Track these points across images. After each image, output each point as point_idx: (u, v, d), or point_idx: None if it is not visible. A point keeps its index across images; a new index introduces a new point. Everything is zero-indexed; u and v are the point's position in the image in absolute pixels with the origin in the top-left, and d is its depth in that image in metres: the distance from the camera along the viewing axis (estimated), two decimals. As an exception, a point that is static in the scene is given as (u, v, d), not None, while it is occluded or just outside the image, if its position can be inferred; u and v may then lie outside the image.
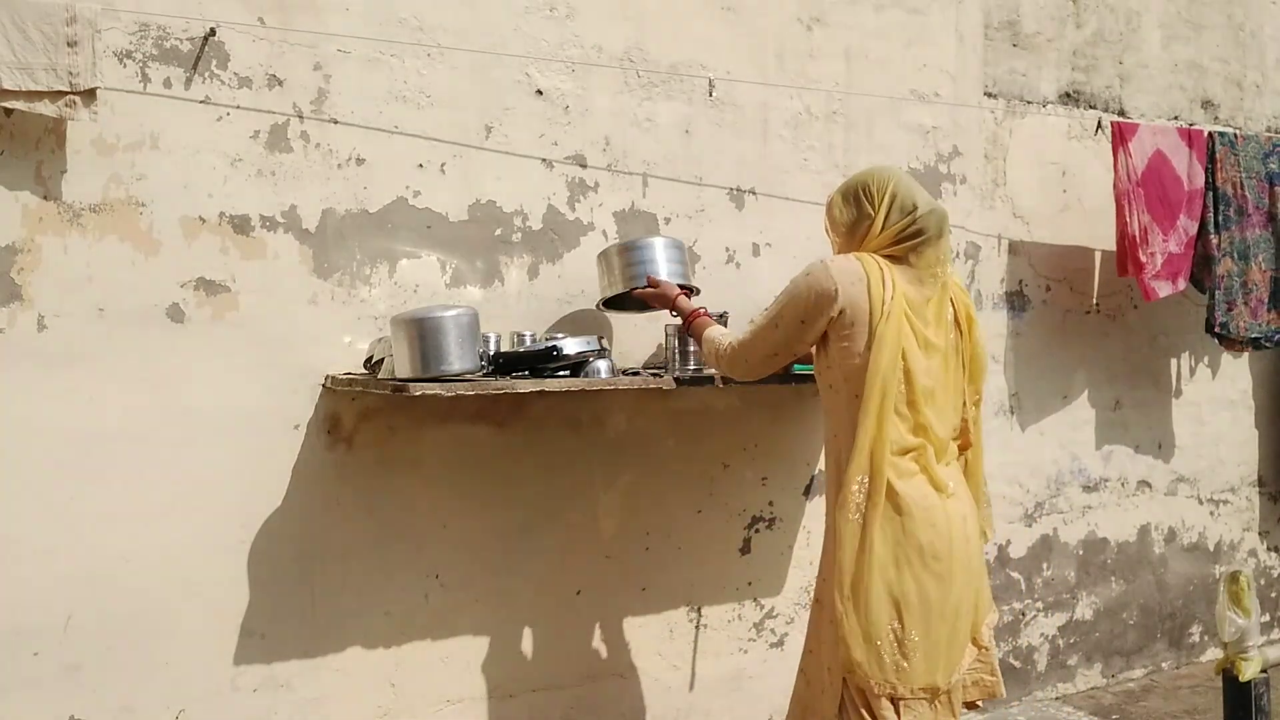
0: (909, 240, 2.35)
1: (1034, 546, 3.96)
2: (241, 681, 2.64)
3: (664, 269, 2.80)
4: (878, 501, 2.29)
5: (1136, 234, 3.74)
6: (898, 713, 2.28)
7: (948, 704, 2.36)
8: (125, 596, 2.50)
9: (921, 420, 2.33)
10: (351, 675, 2.76)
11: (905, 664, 2.28)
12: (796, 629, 3.30)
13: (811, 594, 2.61)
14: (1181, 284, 3.86)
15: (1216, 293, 3.95)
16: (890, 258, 2.36)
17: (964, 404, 2.51)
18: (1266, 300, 4.05)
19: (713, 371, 2.91)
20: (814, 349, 2.44)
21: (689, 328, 2.71)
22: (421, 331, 2.42)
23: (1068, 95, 4.00)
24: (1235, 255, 3.98)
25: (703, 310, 2.71)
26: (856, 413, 2.30)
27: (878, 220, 2.37)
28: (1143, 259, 3.75)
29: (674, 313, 2.77)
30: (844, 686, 2.32)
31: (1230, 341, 4.05)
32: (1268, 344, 4.08)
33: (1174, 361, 4.31)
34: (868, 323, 2.29)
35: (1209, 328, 4.01)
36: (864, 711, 2.29)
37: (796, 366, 2.98)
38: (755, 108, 3.29)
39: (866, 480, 2.30)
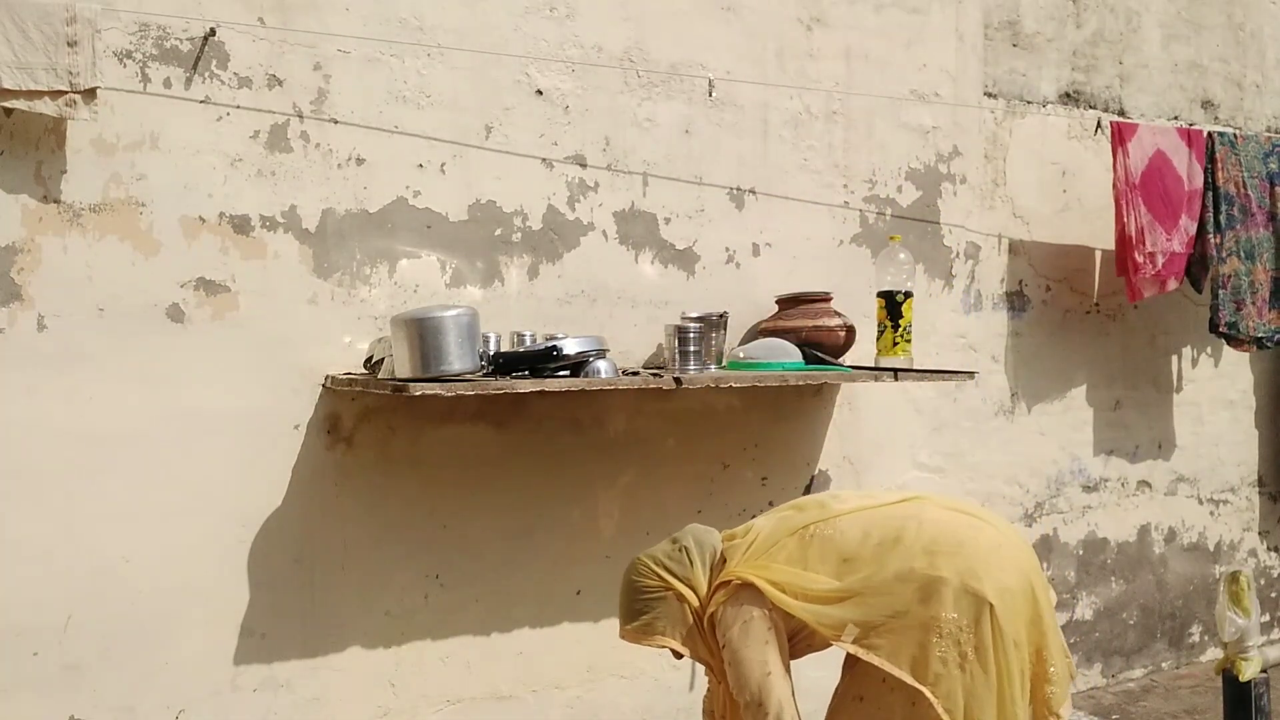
0: (719, 569, 2.28)
1: (1034, 546, 3.95)
2: (241, 681, 2.64)
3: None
4: (967, 656, 2.10)
5: (1133, 234, 3.75)
6: None
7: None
8: (125, 596, 2.50)
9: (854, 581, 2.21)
10: (351, 675, 2.76)
11: (1057, 690, 2.17)
12: (796, 629, 3.30)
13: None
14: (1172, 284, 3.87)
15: (1222, 292, 3.94)
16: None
17: None
18: (1268, 300, 4.05)
19: (714, 370, 2.91)
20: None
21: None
22: (421, 331, 2.42)
23: (1068, 95, 4.00)
24: (1241, 255, 3.97)
25: None
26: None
27: (685, 588, 2.27)
28: (1138, 259, 3.76)
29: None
30: None
31: (1237, 341, 4.05)
32: (1271, 344, 4.09)
33: (1174, 361, 4.31)
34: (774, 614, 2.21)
35: (1213, 327, 4.01)
36: None
37: (810, 367, 2.99)
38: (755, 108, 3.29)
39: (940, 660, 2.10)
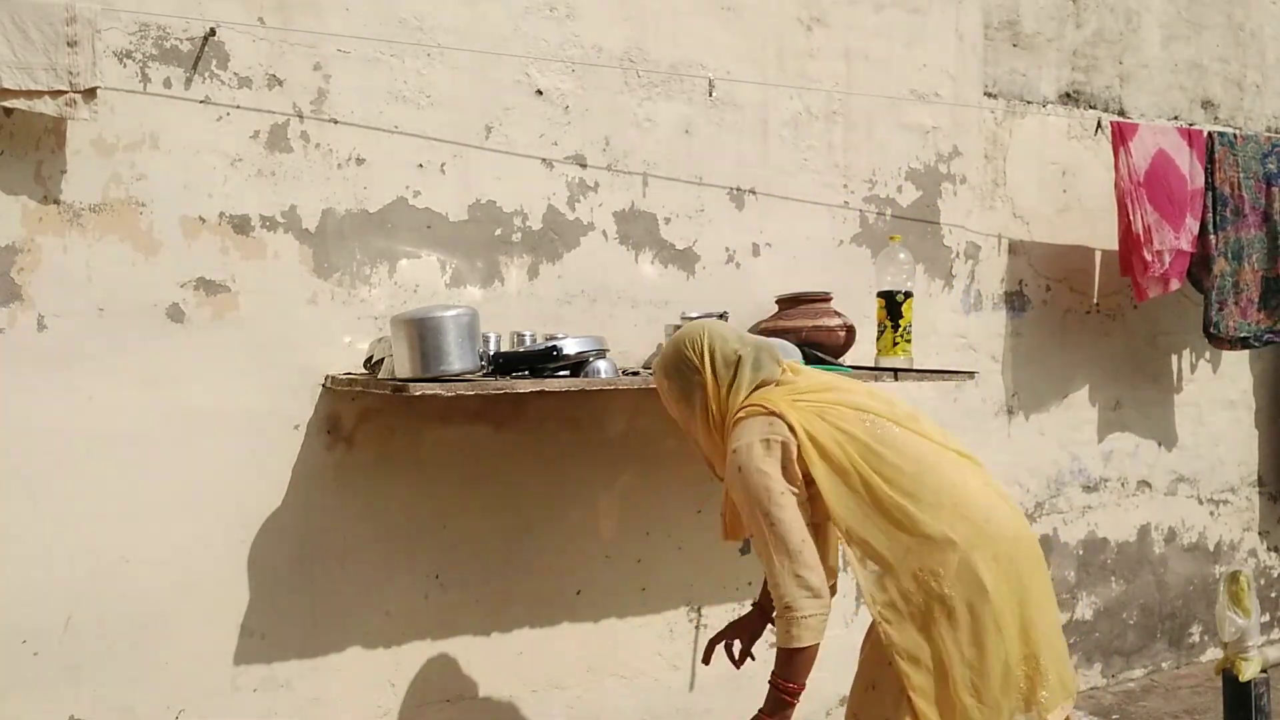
0: (764, 388, 2.26)
1: (1034, 546, 3.96)
2: (241, 681, 2.64)
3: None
4: (950, 588, 2.10)
5: (1140, 233, 3.74)
6: None
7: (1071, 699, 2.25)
8: (125, 596, 2.50)
9: (910, 444, 2.22)
10: (351, 675, 2.76)
11: (1045, 694, 2.13)
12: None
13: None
14: (1175, 284, 3.87)
15: (1211, 293, 3.95)
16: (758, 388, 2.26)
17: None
18: (1256, 300, 4.05)
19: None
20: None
21: (786, 689, 2.16)
22: (421, 331, 2.42)
23: (1068, 95, 4.01)
24: (1229, 255, 3.98)
25: (770, 679, 2.18)
26: (847, 520, 2.15)
27: (714, 380, 2.27)
28: (1147, 258, 3.75)
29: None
30: None
31: (1219, 340, 4.06)
32: (1256, 343, 4.09)
33: (1174, 361, 4.31)
34: (796, 452, 2.16)
35: (1206, 327, 4.02)
36: None
37: (826, 367, 2.98)
38: (755, 108, 3.29)
39: (920, 567, 2.11)
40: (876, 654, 2.27)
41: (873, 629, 2.33)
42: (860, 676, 2.37)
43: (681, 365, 2.31)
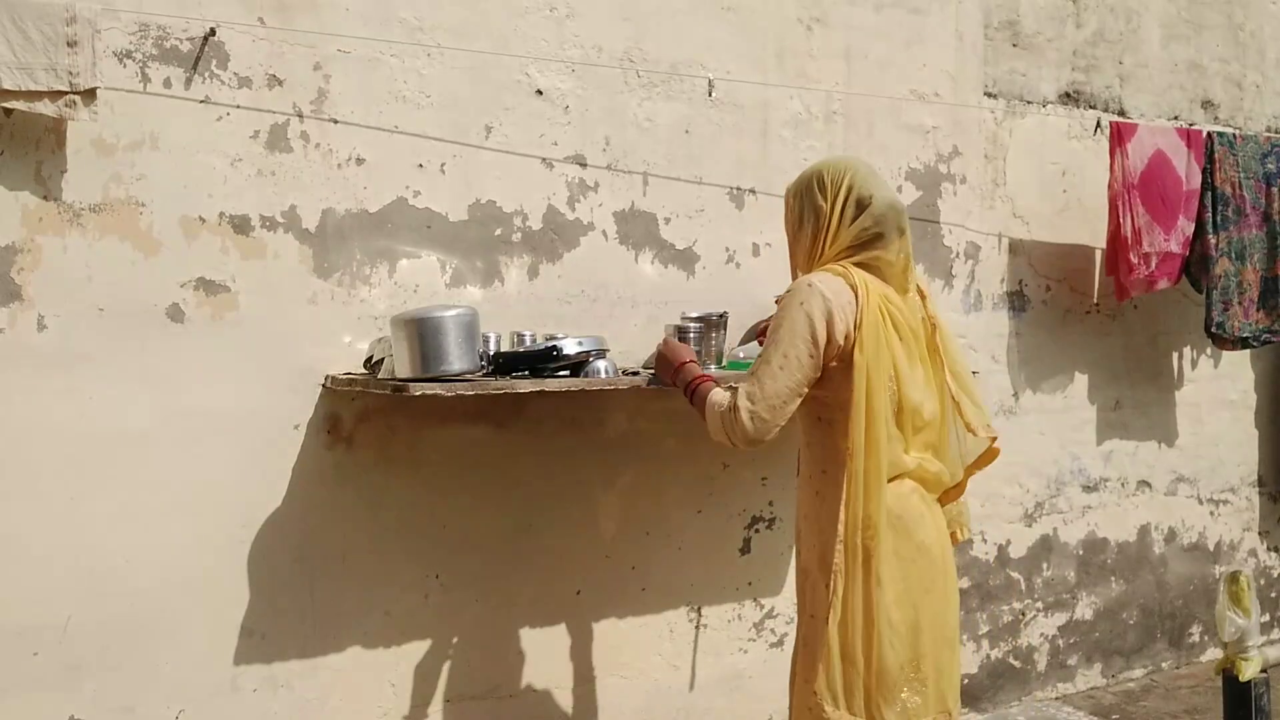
0: (870, 247, 2.19)
1: (1034, 546, 3.96)
2: (241, 681, 2.64)
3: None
4: (885, 537, 2.15)
5: (1128, 235, 3.76)
6: None
7: None
8: (125, 596, 2.50)
9: (912, 438, 2.23)
10: (351, 675, 2.76)
11: (918, 700, 2.17)
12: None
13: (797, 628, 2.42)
14: (1163, 284, 3.88)
15: (1214, 293, 3.96)
16: (860, 265, 2.19)
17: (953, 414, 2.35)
18: (1257, 300, 4.06)
19: (714, 370, 2.91)
20: None
21: (692, 394, 2.33)
22: (421, 331, 2.42)
23: (1068, 95, 4.00)
24: (1232, 255, 3.99)
25: (702, 375, 2.37)
26: (853, 440, 2.14)
27: (832, 216, 2.20)
28: (1133, 259, 3.78)
29: (674, 382, 2.44)
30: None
31: (1223, 340, 4.07)
32: (1256, 343, 4.10)
33: (1174, 361, 4.31)
34: (858, 342, 2.13)
35: (1207, 327, 4.02)
36: None
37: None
38: (755, 108, 3.29)
39: (871, 515, 2.15)
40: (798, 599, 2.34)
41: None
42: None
43: (815, 184, 2.23)
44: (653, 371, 2.59)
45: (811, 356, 2.13)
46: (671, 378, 2.44)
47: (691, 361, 2.43)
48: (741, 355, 3.02)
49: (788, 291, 2.19)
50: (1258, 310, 4.06)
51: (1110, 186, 3.78)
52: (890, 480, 2.18)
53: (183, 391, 2.54)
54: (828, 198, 2.21)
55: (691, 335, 2.85)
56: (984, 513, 3.84)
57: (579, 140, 3.02)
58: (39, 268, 2.40)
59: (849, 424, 2.15)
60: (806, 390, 2.17)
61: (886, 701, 2.15)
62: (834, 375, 2.17)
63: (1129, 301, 4.05)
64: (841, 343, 2.13)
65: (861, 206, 2.19)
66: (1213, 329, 4.00)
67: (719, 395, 2.23)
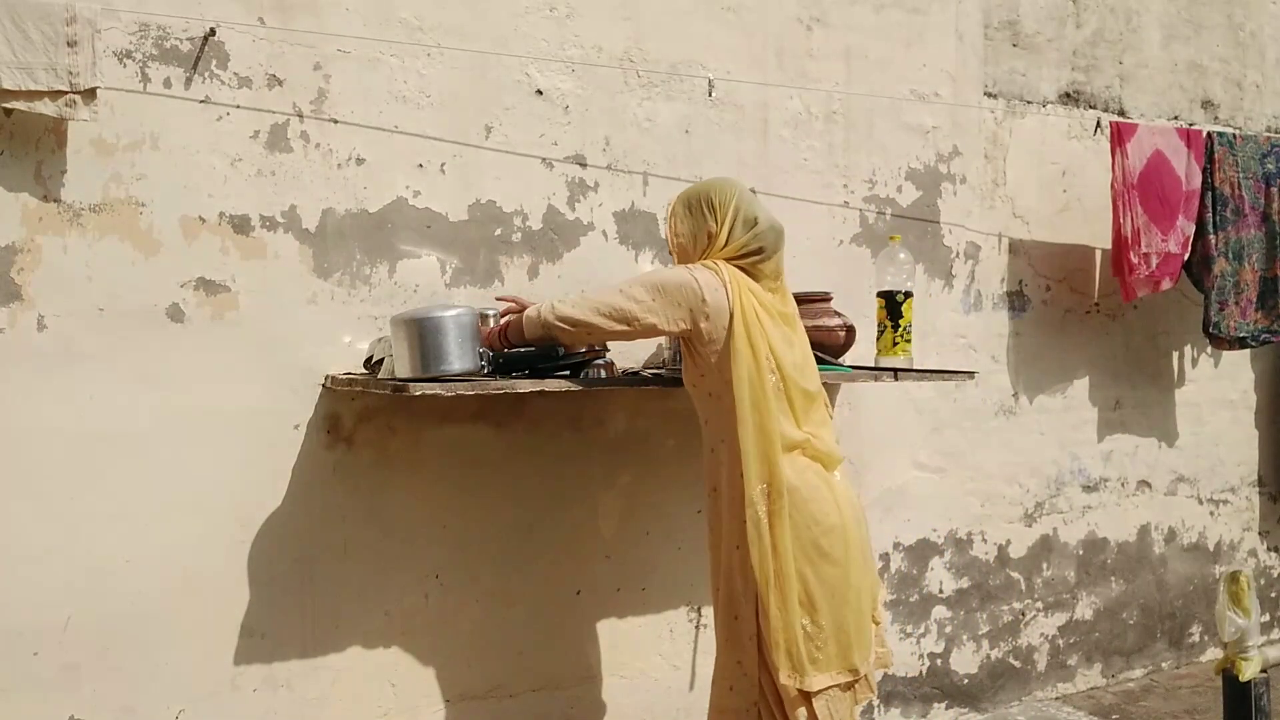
0: (751, 256, 2.45)
1: (1034, 546, 3.96)
2: (241, 681, 2.64)
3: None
4: (781, 506, 2.38)
5: (1129, 235, 3.77)
6: (811, 708, 2.37)
7: (865, 684, 2.49)
8: (125, 596, 2.50)
9: (803, 412, 2.44)
10: (351, 675, 2.76)
11: (819, 655, 2.38)
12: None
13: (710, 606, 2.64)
14: (1166, 285, 3.88)
15: (1211, 293, 3.96)
16: (734, 265, 2.45)
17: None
18: (1255, 300, 4.06)
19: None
20: (686, 357, 2.49)
21: (505, 334, 2.54)
22: (421, 331, 2.42)
23: (1068, 95, 4.01)
24: (1230, 255, 3.99)
25: (508, 311, 2.60)
26: (740, 413, 2.38)
27: (720, 234, 2.45)
28: (1133, 260, 3.78)
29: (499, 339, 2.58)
30: (760, 689, 2.41)
31: (1219, 340, 4.07)
32: (1254, 343, 4.10)
33: (1174, 361, 4.31)
34: (729, 326, 2.37)
35: (1206, 327, 4.02)
36: (778, 712, 2.39)
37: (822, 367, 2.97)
38: (755, 108, 3.29)
39: (766, 485, 2.38)
40: (714, 583, 2.55)
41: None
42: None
43: (704, 206, 2.48)
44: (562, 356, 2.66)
45: (656, 299, 2.38)
46: (489, 342, 2.55)
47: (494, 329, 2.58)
48: None
49: (670, 267, 2.48)
50: (1256, 310, 4.07)
51: (1112, 186, 3.78)
52: (789, 450, 2.41)
53: (183, 391, 2.54)
54: (718, 219, 2.46)
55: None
56: (984, 513, 3.84)
57: (579, 140, 3.02)
58: (39, 268, 2.40)
59: (734, 399, 2.37)
60: (634, 324, 2.40)
61: (795, 660, 2.38)
62: (714, 358, 2.41)
63: (1124, 301, 4.05)
64: (702, 321, 2.38)
65: (748, 227, 2.46)
66: (1209, 329, 4.01)
67: (532, 310, 2.48)
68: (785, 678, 2.36)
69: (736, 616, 2.46)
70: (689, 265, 2.45)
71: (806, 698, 2.38)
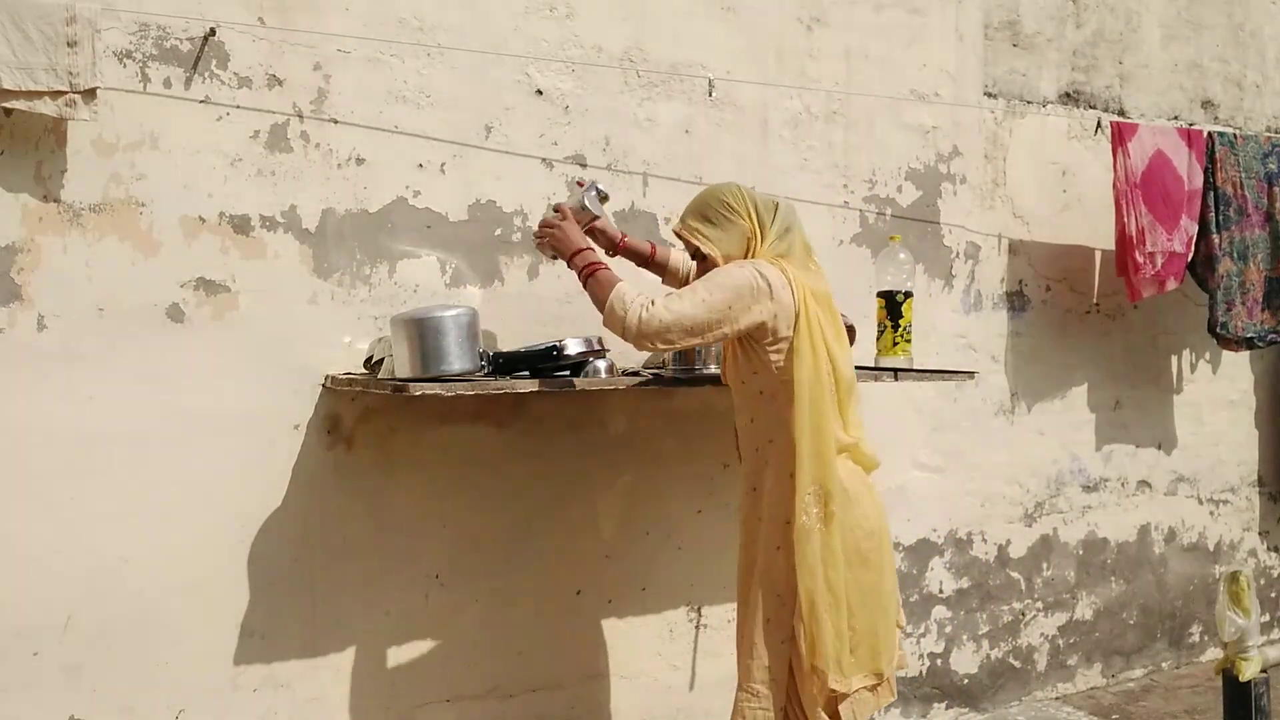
0: (782, 237, 2.42)
1: (1034, 546, 3.96)
2: (241, 681, 2.64)
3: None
4: (834, 510, 2.35)
5: (1133, 234, 3.76)
6: (837, 712, 2.37)
7: (887, 686, 2.49)
8: (125, 597, 2.50)
9: (849, 413, 2.43)
10: (351, 675, 2.76)
11: (851, 659, 2.38)
12: (796, 629, 3.30)
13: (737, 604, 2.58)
14: (1171, 285, 3.88)
15: (1217, 293, 3.96)
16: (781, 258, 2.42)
17: None
18: (1261, 300, 4.07)
19: (714, 370, 2.91)
20: (734, 354, 2.46)
21: (585, 277, 2.43)
22: (421, 331, 2.42)
23: (1068, 95, 4.01)
24: (1235, 255, 3.99)
25: (602, 264, 2.46)
26: (798, 415, 2.34)
27: (755, 227, 2.41)
28: (1139, 259, 3.77)
29: (570, 262, 2.48)
30: (787, 694, 2.39)
31: (1227, 340, 4.07)
32: (1261, 343, 4.10)
33: (1174, 361, 4.31)
34: (794, 326, 2.34)
35: (1211, 327, 4.02)
36: (803, 715, 2.38)
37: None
38: (755, 108, 3.29)
39: (818, 488, 2.35)
40: (740, 580, 2.53)
41: (738, 559, 2.55)
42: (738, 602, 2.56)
43: (721, 208, 2.42)
44: (540, 236, 2.55)
45: (731, 309, 2.30)
46: (569, 257, 2.49)
47: (588, 249, 2.48)
48: None
49: (735, 263, 2.38)
50: (1262, 310, 4.07)
51: (1115, 186, 3.78)
52: (839, 452, 2.40)
53: (183, 391, 2.54)
54: (745, 215, 2.42)
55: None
56: (984, 513, 3.84)
57: (579, 140, 3.02)
58: (39, 268, 2.40)
59: (793, 399, 2.33)
60: (712, 337, 2.33)
61: (840, 664, 2.36)
62: (774, 355, 2.36)
63: (1129, 301, 4.05)
64: (768, 318, 2.32)
65: (770, 211, 2.43)
66: (1217, 329, 4.00)
67: (626, 288, 2.35)
68: (834, 682, 2.33)
69: (769, 620, 2.42)
70: (754, 262, 2.37)
71: (833, 701, 2.36)
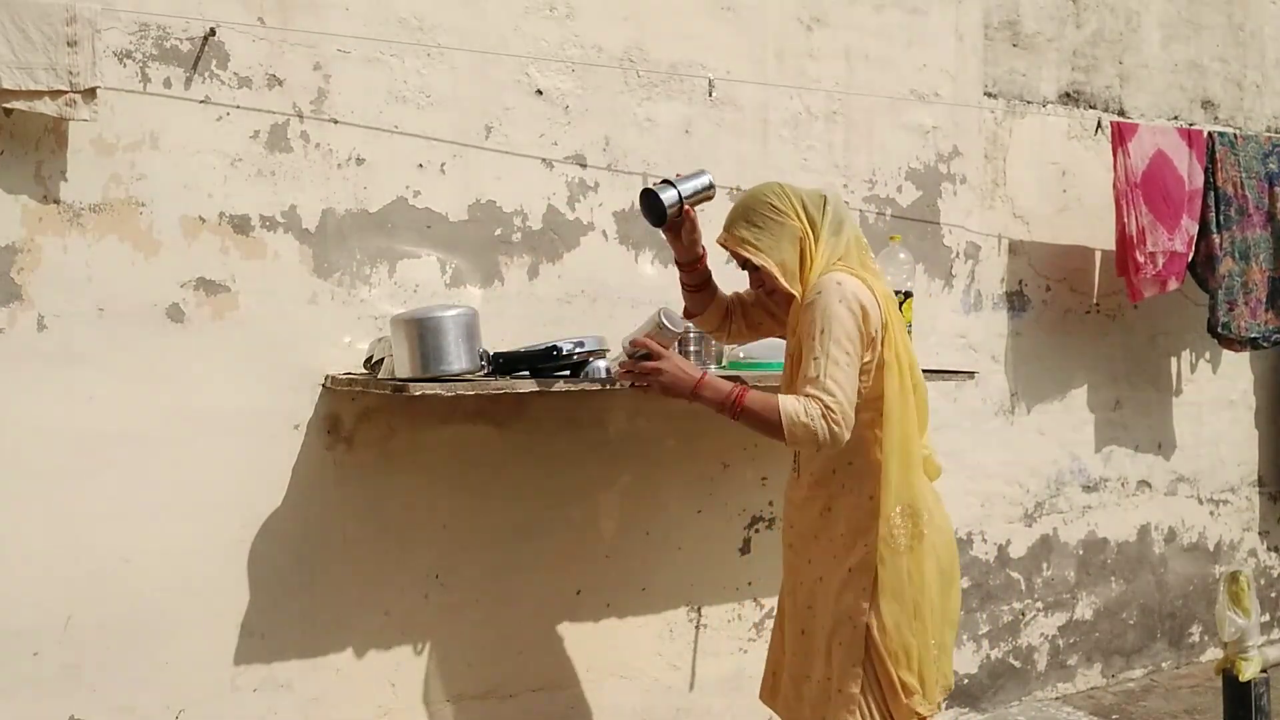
0: (838, 232, 2.24)
1: (1034, 546, 3.96)
2: (241, 681, 2.64)
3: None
4: (921, 528, 2.22)
5: (1134, 234, 3.76)
6: None
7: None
8: (125, 597, 2.50)
9: (925, 423, 2.32)
10: (351, 675, 2.76)
11: (935, 676, 2.28)
12: (796, 629, 3.30)
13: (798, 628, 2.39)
14: (1173, 285, 3.88)
15: (1219, 293, 3.96)
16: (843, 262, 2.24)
17: None
18: (1264, 300, 4.06)
19: (713, 369, 2.91)
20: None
21: (738, 409, 2.16)
22: (421, 331, 2.42)
23: (1068, 95, 4.01)
24: (1236, 255, 3.99)
25: (742, 389, 2.20)
26: (888, 433, 2.18)
27: (809, 228, 2.22)
28: (1140, 259, 3.77)
29: (693, 398, 2.23)
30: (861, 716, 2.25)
31: (1230, 341, 4.06)
32: (1265, 344, 4.10)
33: (1174, 361, 4.31)
34: (883, 339, 2.18)
35: (1211, 328, 4.02)
36: None
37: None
38: (755, 108, 3.29)
39: (904, 506, 2.21)
40: (794, 601, 2.38)
41: (788, 580, 2.41)
42: (787, 623, 2.42)
43: (767, 210, 2.22)
44: (630, 358, 2.30)
45: (856, 350, 2.14)
46: (691, 394, 2.22)
47: (705, 375, 2.24)
48: (741, 355, 3.02)
49: (818, 291, 2.15)
50: (1266, 310, 4.06)
51: (1115, 185, 3.77)
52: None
53: (183, 391, 2.54)
54: (795, 216, 2.22)
55: (692, 335, 2.84)
56: (984, 513, 3.84)
57: (579, 140, 3.02)
58: (39, 268, 2.40)
59: (883, 417, 2.19)
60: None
61: (928, 680, 2.27)
62: (861, 377, 2.18)
63: (1129, 301, 4.05)
64: (874, 336, 2.17)
65: (818, 205, 2.24)
66: (1219, 329, 3.99)
67: (791, 403, 2.10)
68: (919, 705, 2.23)
69: (841, 643, 2.25)
70: (835, 285, 2.14)
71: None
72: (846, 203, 3.45)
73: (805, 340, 2.15)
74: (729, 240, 2.28)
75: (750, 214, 2.25)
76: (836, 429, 2.09)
